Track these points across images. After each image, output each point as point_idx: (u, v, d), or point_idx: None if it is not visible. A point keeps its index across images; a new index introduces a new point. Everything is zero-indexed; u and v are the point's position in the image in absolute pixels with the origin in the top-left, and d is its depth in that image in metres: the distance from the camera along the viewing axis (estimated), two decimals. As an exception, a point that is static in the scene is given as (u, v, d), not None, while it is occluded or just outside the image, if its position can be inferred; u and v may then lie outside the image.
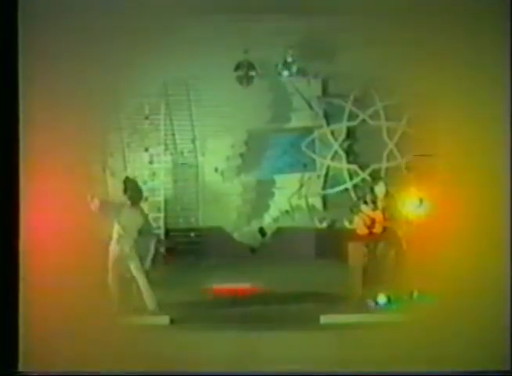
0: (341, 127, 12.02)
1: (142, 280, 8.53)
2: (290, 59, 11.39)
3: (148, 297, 8.51)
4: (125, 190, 8.65)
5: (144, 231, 8.61)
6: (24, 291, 6.63)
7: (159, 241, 9.18)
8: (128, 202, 8.55)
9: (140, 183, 11.11)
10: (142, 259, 8.57)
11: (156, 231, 9.10)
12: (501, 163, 7.15)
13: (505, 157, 7.13)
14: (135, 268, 8.51)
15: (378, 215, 9.22)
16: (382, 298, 8.42)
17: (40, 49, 7.07)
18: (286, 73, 11.48)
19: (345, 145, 12.04)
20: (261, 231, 12.10)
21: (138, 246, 8.52)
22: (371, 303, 8.45)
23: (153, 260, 8.76)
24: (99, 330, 7.08)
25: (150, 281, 8.57)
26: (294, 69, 11.43)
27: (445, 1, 7.71)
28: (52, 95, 7.34)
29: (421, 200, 9.36)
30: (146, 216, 8.82)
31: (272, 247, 11.74)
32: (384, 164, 11.77)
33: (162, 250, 9.56)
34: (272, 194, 12.23)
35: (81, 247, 7.48)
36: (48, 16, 7.22)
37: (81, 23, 7.58)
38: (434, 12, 7.85)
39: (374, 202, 9.34)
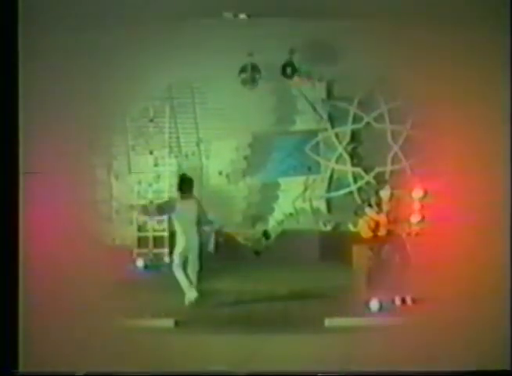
0: (346, 130, 12.00)
1: (192, 272, 8.96)
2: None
3: (190, 290, 8.90)
4: (179, 186, 9.19)
5: (201, 221, 9.09)
6: (24, 291, 6.64)
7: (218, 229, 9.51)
8: (179, 196, 9.09)
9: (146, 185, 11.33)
10: (204, 247, 9.11)
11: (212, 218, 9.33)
12: (504, 166, 7.15)
13: (508, 159, 7.14)
14: (191, 260, 9.00)
15: (382, 218, 9.21)
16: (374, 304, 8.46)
17: (42, 52, 7.09)
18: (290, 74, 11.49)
19: (350, 148, 12.02)
20: (266, 234, 12.08)
21: (198, 237, 9.03)
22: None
23: (216, 246, 9.27)
24: (100, 332, 7.09)
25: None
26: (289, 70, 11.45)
27: (447, 4, 7.72)
28: (54, 98, 7.35)
29: (425, 204, 9.35)
30: (199, 206, 9.15)
31: (277, 250, 11.72)
32: (388, 167, 11.76)
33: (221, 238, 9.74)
34: (277, 197, 12.22)
35: (84, 248, 7.50)
36: (51, 19, 7.23)
37: (84, 25, 7.60)
38: (437, 15, 7.86)
39: (379, 205, 9.33)
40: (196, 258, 9.02)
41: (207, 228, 9.18)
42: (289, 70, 11.43)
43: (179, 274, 9.02)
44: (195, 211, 9.05)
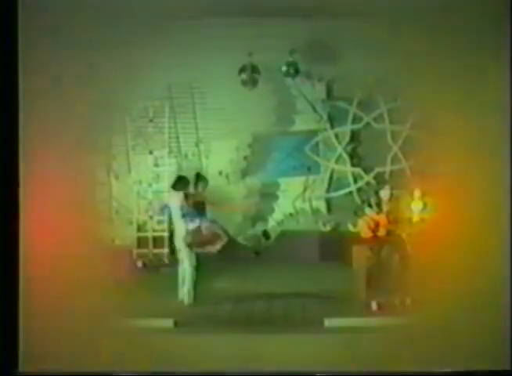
0: (345, 130, 12.01)
1: (188, 272, 9.01)
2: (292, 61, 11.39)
3: (188, 290, 8.97)
4: (173, 183, 9.41)
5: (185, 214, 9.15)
6: (24, 291, 6.64)
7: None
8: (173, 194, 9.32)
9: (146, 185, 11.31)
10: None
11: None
12: (504, 166, 7.16)
13: (507, 160, 7.15)
14: (186, 258, 9.06)
15: (382, 218, 9.21)
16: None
17: (41, 52, 7.08)
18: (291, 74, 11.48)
19: (349, 148, 12.04)
20: (266, 234, 12.08)
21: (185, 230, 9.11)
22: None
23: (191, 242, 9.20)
24: (100, 332, 7.09)
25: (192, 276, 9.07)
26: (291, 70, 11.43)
27: (447, 4, 7.72)
28: (53, 98, 7.34)
29: (425, 204, 9.35)
30: (182, 200, 9.19)
31: (276, 250, 11.72)
32: (388, 168, 11.77)
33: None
34: (276, 197, 12.22)
35: (83, 248, 7.49)
36: (51, 18, 7.22)
37: (84, 24, 7.58)
38: (437, 16, 7.85)
39: (378, 205, 9.34)
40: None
41: (190, 223, 9.17)
42: (292, 70, 11.41)
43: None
44: (178, 203, 9.13)
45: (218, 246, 9.23)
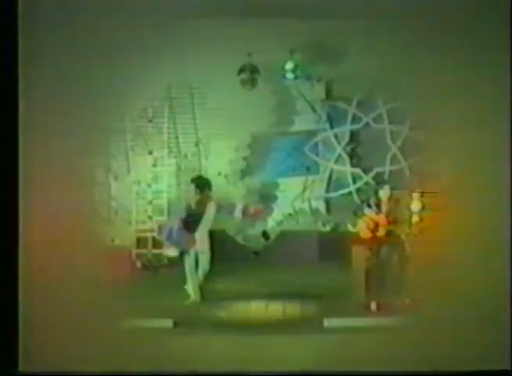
0: (345, 130, 12.01)
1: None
2: (291, 65, 11.35)
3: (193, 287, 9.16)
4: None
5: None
6: (24, 290, 6.64)
7: None
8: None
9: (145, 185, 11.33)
10: None
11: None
12: (504, 166, 7.16)
13: (507, 160, 7.16)
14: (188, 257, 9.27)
15: (382, 219, 9.22)
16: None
17: (40, 51, 7.08)
18: (290, 76, 11.44)
19: (349, 148, 12.03)
20: (265, 234, 12.08)
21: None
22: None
23: None
24: (100, 332, 7.09)
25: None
26: (298, 72, 11.39)
27: (447, 4, 7.73)
28: (53, 98, 7.34)
29: (424, 204, 9.36)
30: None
31: (276, 250, 11.71)
32: (387, 168, 11.76)
33: None
34: (276, 197, 12.21)
35: (83, 249, 7.50)
36: (51, 18, 7.22)
37: (84, 24, 7.59)
38: (437, 16, 7.86)
39: (378, 205, 9.34)
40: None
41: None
42: (299, 71, 11.38)
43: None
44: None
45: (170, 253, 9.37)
